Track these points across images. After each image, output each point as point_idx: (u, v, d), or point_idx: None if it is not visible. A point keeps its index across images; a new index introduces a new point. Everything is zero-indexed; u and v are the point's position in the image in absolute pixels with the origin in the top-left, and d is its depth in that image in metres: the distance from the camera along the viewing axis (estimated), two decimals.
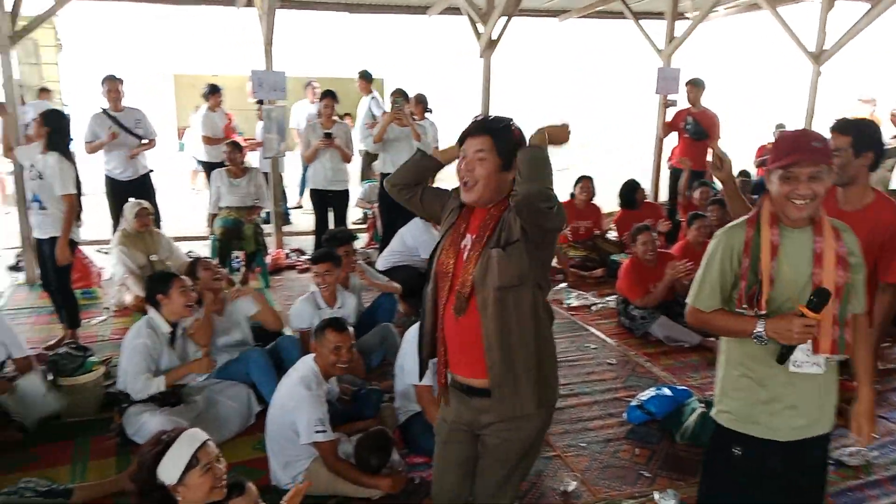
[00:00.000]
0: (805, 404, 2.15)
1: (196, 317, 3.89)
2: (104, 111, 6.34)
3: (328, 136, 6.34)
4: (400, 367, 3.70)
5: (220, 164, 6.65)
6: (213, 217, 6.46)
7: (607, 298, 6.12)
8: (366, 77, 8.90)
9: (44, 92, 9.59)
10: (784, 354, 2.06)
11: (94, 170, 6.63)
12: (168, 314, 3.73)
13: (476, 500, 2.39)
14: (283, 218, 8.22)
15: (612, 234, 7.39)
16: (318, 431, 3.17)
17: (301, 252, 7.54)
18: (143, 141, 6.45)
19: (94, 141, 6.28)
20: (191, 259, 4.70)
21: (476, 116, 2.27)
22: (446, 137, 7.93)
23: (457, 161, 2.22)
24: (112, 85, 6.30)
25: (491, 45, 7.84)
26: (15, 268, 6.65)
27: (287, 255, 7.33)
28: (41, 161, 4.65)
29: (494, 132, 2.13)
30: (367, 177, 9.14)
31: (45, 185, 4.66)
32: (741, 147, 9.74)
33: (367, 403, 3.84)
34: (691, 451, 3.68)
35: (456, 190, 2.30)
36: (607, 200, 7.79)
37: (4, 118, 5.28)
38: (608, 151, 13.52)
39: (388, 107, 7.02)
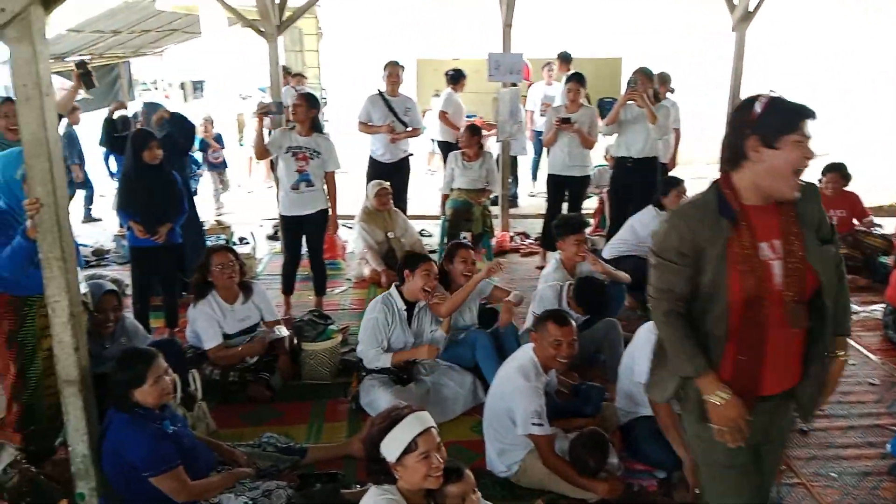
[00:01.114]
0: None
1: (440, 293, 4.02)
2: (380, 93, 6.63)
3: (566, 120, 6.19)
4: (627, 367, 3.47)
5: (456, 145, 6.79)
6: (445, 197, 6.64)
7: (872, 308, 5.32)
8: (565, 58, 8.71)
9: (297, 76, 10.04)
10: None
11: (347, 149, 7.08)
12: (407, 293, 3.93)
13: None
14: (511, 201, 8.25)
15: (879, 230, 6.34)
16: (534, 424, 3.10)
17: (526, 236, 7.52)
18: (408, 128, 6.62)
19: (368, 121, 6.59)
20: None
21: (773, 92, 2.00)
22: (686, 118, 7.44)
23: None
24: (393, 70, 6.58)
25: (746, 17, 7.12)
26: (273, 237, 7.38)
27: (511, 239, 7.35)
28: (312, 142, 5.01)
29: None
30: None
31: (320, 164, 5.04)
32: None
33: (588, 400, 3.69)
34: None
35: (694, 211, 2.05)
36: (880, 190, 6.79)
37: (259, 124, 5.27)
38: (886, 135, 11.77)
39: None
